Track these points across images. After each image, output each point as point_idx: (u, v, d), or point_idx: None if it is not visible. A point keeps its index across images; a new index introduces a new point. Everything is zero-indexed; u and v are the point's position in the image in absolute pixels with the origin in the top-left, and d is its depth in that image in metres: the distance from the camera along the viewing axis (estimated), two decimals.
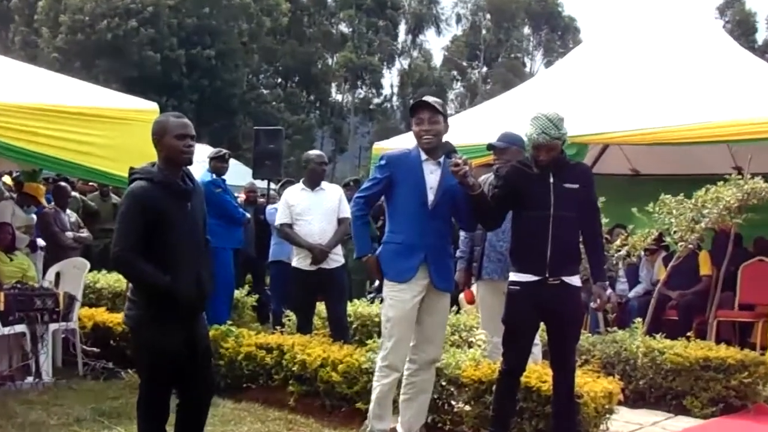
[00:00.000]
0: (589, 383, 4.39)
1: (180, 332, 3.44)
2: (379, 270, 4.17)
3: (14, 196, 8.14)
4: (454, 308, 6.41)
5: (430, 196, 4.08)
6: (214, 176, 7.03)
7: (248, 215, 7.83)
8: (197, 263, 3.49)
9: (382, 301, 4.33)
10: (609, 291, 7.32)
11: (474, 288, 5.85)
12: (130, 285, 3.51)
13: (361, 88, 47.10)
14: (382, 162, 4.20)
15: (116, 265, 3.45)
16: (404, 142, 6.51)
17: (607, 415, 4.44)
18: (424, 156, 4.12)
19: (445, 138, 4.12)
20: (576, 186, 3.97)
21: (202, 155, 8.05)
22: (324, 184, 6.07)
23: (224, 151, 7.33)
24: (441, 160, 4.12)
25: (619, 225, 6.94)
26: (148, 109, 6.20)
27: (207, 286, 3.55)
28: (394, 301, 4.09)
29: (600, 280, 4.12)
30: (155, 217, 3.34)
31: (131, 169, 3.51)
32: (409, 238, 4.07)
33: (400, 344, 4.09)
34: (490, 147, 5.07)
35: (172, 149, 3.44)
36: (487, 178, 5.26)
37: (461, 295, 6.64)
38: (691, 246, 6.09)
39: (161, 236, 3.36)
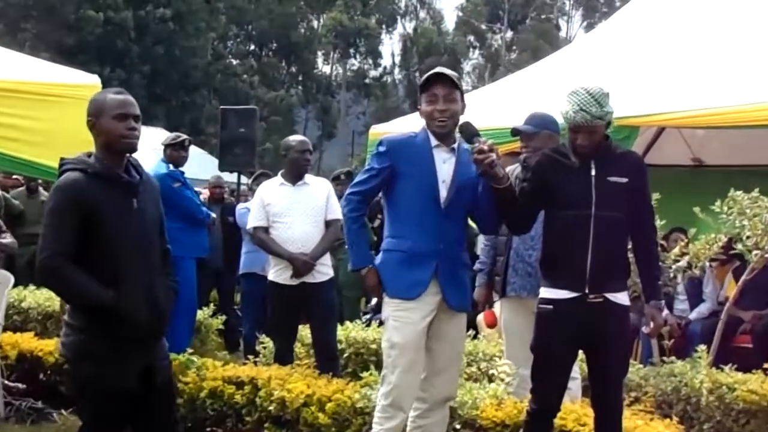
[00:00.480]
0: (641, 427, 4.38)
1: (132, 364, 3.43)
2: (380, 286, 4.14)
3: None
4: (471, 332, 6.43)
5: (443, 192, 4.08)
6: (171, 167, 7.04)
7: (213, 215, 7.83)
8: (149, 275, 3.49)
9: (381, 323, 4.32)
10: (665, 312, 7.31)
11: (496, 307, 5.86)
12: (68, 306, 3.50)
13: (355, 58, 47.22)
14: (382, 148, 4.16)
15: (44, 276, 3.40)
16: (408, 125, 6.52)
17: None
18: (434, 141, 4.12)
19: (462, 119, 4.12)
20: (624, 180, 3.97)
21: (155, 141, 8.08)
22: (308, 177, 6.08)
23: (183, 136, 7.33)
24: (455, 146, 4.13)
25: (678, 229, 6.95)
26: (88, 83, 6.21)
27: (163, 304, 3.55)
28: (400, 323, 4.06)
29: (654, 298, 4.12)
30: (91, 215, 3.33)
31: (62, 159, 3.51)
32: (418, 245, 4.06)
33: (407, 377, 4.07)
34: (515, 132, 5.08)
35: (110, 133, 3.45)
36: (512, 170, 5.26)
37: (480, 317, 6.65)
38: None
39: (100, 240, 3.35)
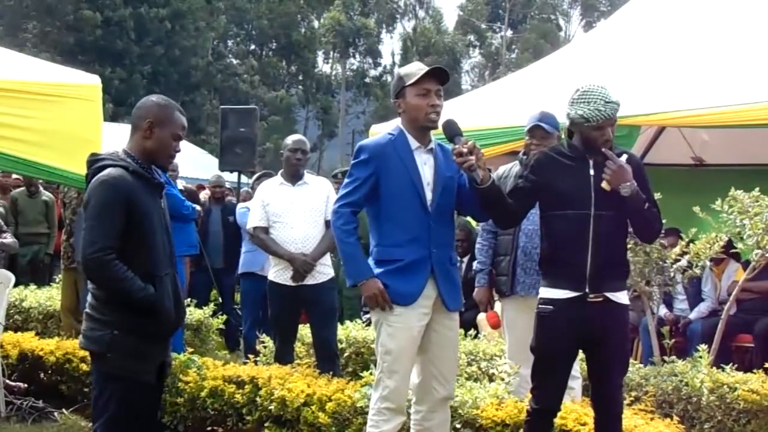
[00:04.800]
0: (641, 426, 4.39)
1: (154, 359, 3.52)
2: (385, 291, 3.98)
3: None
4: (472, 332, 6.42)
5: (429, 195, 4.04)
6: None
7: (198, 208, 7.82)
8: (173, 272, 3.60)
9: (369, 323, 4.24)
10: (664, 311, 7.29)
11: (497, 307, 5.85)
12: (90, 300, 3.53)
13: (354, 57, 47.19)
14: (363, 156, 4.05)
15: (91, 269, 3.44)
16: None
17: None
18: (414, 143, 4.07)
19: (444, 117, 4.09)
20: None
21: None
22: (308, 177, 6.07)
23: None
24: (433, 146, 4.11)
25: (672, 229, 6.88)
26: (88, 83, 6.20)
27: (182, 301, 3.66)
28: (395, 329, 4.00)
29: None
30: (133, 211, 3.41)
31: (94, 154, 3.57)
32: (412, 253, 4.00)
33: (404, 380, 4.06)
34: (535, 128, 5.05)
35: (164, 147, 3.55)
36: (509, 168, 5.25)
37: (480, 317, 6.65)
38: None
39: (137, 236, 3.42)
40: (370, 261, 4.09)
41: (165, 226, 3.61)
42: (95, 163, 3.51)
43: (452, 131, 3.96)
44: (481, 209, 4.12)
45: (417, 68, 4.09)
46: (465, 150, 3.83)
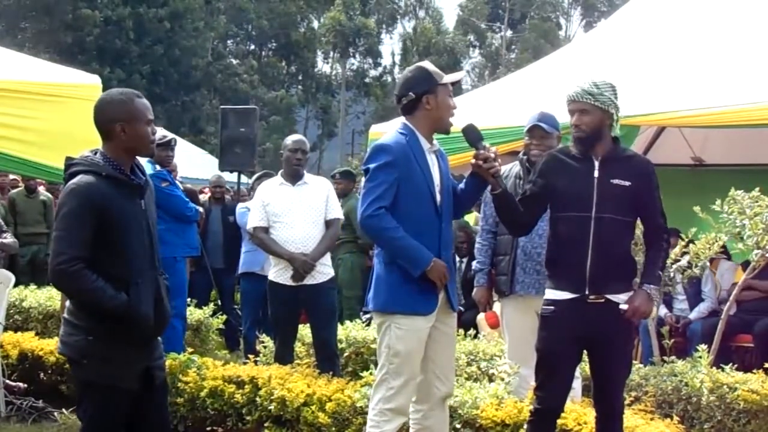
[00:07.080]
0: (642, 426, 4.39)
1: (136, 364, 3.45)
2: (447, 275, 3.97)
3: None
4: (472, 332, 6.43)
5: (438, 197, 4.04)
6: (158, 167, 6.99)
7: (201, 209, 7.80)
8: (155, 274, 3.52)
9: (369, 324, 4.22)
10: (664, 311, 7.28)
11: (496, 307, 5.86)
12: (68, 305, 3.49)
13: (354, 57, 47.13)
14: (389, 158, 3.95)
15: (60, 280, 3.39)
16: None
17: None
18: (426, 144, 4.06)
19: (457, 120, 4.09)
20: (627, 183, 3.95)
21: None
22: (308, 176, 6.08)
23: (170, 136, 7.28)
24: (437, 147, 4.12)
25: (672, 230, 6.87)
26: (88, 83, 6.21)
27: (167, 304, 3.57)
28: (404, 332, 3.99)
29: (648, 282, 3.97)
30: (104, 218, 3.33)
31: (69, 159, 3.49)
32: None
33: (410, 383, 4.06)
34: (534, 128, 5.05)
35: (142, 139, 3.46)
36: (510, 168, 5.25)
37: (480, 317, 6.65)
38: None
39: (112, 242, 3.36)
40: (379, 263, 4.07)
41: (147, 227, 3.51)
42: (69, 168, 3.44)
43: (475, 136, 3.96)
44: (497, 216, 4.16)
45: (435, 68, 4.09)
46: (492, 156, 3.85)
